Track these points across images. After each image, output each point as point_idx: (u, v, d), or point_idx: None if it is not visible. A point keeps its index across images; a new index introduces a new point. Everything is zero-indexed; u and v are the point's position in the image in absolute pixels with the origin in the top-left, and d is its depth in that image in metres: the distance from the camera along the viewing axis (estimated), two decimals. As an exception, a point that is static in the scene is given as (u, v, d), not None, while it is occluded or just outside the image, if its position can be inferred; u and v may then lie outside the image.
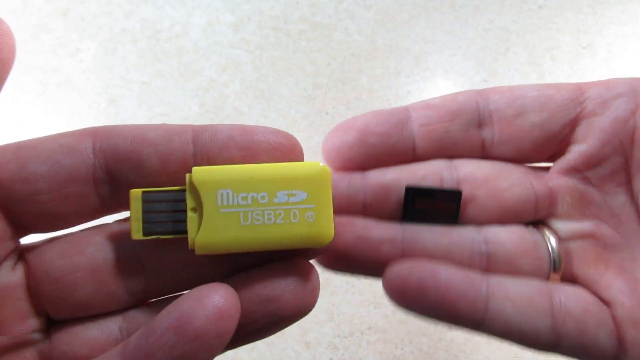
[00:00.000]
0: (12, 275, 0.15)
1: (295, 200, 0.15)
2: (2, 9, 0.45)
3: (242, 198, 0.15)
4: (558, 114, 0.18)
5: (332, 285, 0.39)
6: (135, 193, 0.15)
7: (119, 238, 0.16)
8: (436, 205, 0.18)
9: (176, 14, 0.46)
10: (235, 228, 0.15)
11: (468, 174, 0.19)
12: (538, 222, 0.19)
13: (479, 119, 0.19)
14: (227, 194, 0.15)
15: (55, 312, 0.16)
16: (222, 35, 0.46)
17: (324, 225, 0.15)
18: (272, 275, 0.16)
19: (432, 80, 0.45)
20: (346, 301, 0.39)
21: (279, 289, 0.15)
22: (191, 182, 0.15)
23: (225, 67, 0.45)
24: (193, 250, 0.15)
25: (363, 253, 0.18)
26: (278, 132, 0.16)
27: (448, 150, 0.19)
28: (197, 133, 0.16)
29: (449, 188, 0.18)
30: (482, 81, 0.45)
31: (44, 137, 0.16)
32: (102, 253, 0.16)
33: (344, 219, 0.18)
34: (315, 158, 0.46)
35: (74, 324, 0.16)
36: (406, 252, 0.18)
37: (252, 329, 0.15)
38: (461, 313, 0.16)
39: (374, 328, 0.38)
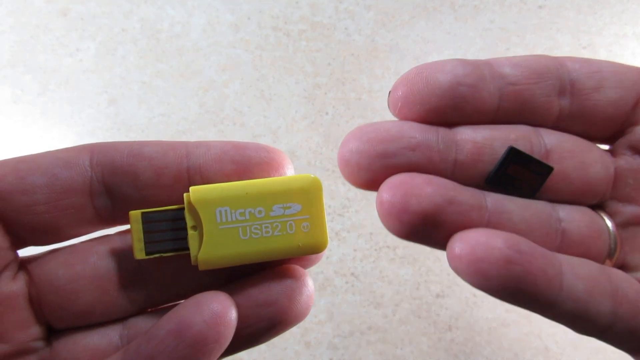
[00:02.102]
0: (13, 285, 0.16)
1: (290, 212, 0.16)
2: (2, 9, 0.45)
3: (240, 214, 0.16)
4: (631, 92, 0.17)
5: (332, 285, 0.39)
6: (135, 215, 0.16)
7: (120, 249, 0.17)
8: (524, 175, 0.17)
9: (176, 14, 0.46)
10: (235, 243, 0.16)
11: (556, 144, 0.17)
12: (596, 204, 0.18)
13: (560, 86, 0.17)
14: (226, 211, 0.16)
15: (57, 320, 0.16)
16: (222, 35, 0.46)
17: (319, 234, 0.16)
18: (268, 281, 0.16)
19: (432, 80, 0.45)
20: (346, 301, 0.39)
21: (275, 293, 0.16)
22: (189, 202, 0.15)
23: (225, 67, 0.45)
24: (195, 265, 0.16)
25: (450, 218, 0.16)
26: (268, 148, 0.17)
27: (527, 115, 0.17)
28: (191, 148, 0.16)
29: (544, 161, 0.17)
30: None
31: (43, 152, 0.16)
32: (104, 262, 0.16)
33: (434, 178, 0.16)
34: (315, 158, 0.46)
35: (75, 331, 0.16)
36: (492, 222, 0.16)
37: (249, 333, 0.16)
38: (540, 290, 0.15)
39: (374, 328, 0.38)
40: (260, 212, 0.16)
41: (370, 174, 0.16)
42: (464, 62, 0.16)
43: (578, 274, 0.16)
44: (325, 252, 0.41)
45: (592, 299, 0.16)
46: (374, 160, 0.16)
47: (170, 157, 0.16)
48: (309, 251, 0.16)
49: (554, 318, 0.16)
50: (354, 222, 0.40)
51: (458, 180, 0.16)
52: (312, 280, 0.17)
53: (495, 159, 0.17)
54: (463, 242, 0.15)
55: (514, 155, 0.17)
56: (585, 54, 0.46)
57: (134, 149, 0.16)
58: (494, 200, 0.17)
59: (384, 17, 0.47)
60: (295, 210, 0.16)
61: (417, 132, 0.16)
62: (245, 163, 0.16)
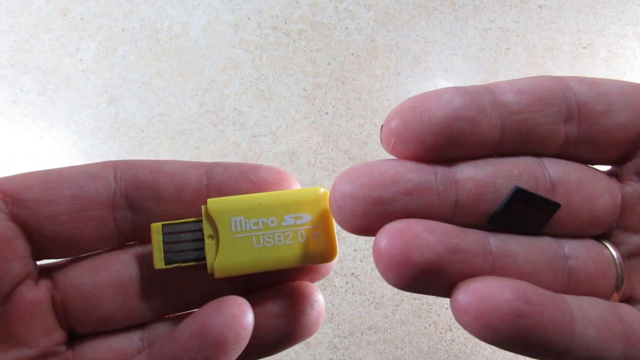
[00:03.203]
0: (36, 292, 0.16)
1: (301, 222, 0.17)
2: (2, 9, 0.45)
3: (254, 223, 0.17)
4: (639, 115, 0.16)
5: (332, 285, 0.39)
6: (156, 226, 0.17)
7: (142, 257, 0.17)
8: (529, 214, 0.16)
9: (176, 14, 0.46)
10: (249, 251, 0.16)
11: (561, 176, 0.16)
12: (600, 234, 0.17)
13: (567, 111, 0.16)
14: (240, 220, 0.17)
15: (81, 325, 0.17)
16: (222, 35, 0.46)
17: (329, 243, 0.17)
18: (282, 295, 0.17)
19: (432, 80, 0.45)
20: (346, 301, 0.39)
21: (287, 307, 0.17)
22: (207, 212, 0.16)
23: (225, 67, 0.45)
24: (212, 274, 0.16)
25: (454, 267, 0.15)
26: (279, 170, 0.18)
27: (531, 144, 0.16)
28: (209, 167, 0.17)
29: (550, 198, 0.16)
30: (482, 81, 0.45)
31: (69, 166, 0.17)
32: (127, 270, 0.17)
33: (435, 225, 0.15)
34: (315, 157, 0.46)
35: (97, 336, 0.17)
36: (497, 267, 0.15)
37: (261, 344, 0.17)
38: (551, 341, 0.14)
39: (374, 328, 0.38)
40: (272, 221, 0.17)
41: (366, 221, 0.15)
42: (461, 92, 0.15)
43: (589, 318, 0.15)
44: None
45: (604, 345, 0.15)
46: (369, 207, 0.15)
47: (190, 174, 0.17)
48: (320, 259, 0.17)
49: None
50: (354, 222, 0.40)
51: (459, 222, 0.16)
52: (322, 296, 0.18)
53: (498, 197, 0.16)
54: (469, 294, 0.14)
55: (519, 195, 0.16)
56: (585, 54, 0.46)
57: (156, 166, 0.17)
58: (498, 243, 0.16)
59: (384, 17, 0.47)
60: (306, 220, 0.17)
61: (414, 174, 0.15)
62: (260, 182, 0.17)
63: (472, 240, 0.15)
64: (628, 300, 0.17)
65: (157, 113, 0.43)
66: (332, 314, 0.39)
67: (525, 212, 0.16)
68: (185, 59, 0.45)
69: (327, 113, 0.44)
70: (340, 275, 0.39)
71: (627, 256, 0.17)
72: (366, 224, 0.15)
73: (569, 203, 0.16)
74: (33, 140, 0.43)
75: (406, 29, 0.46)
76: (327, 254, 0.17)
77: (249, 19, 0.46)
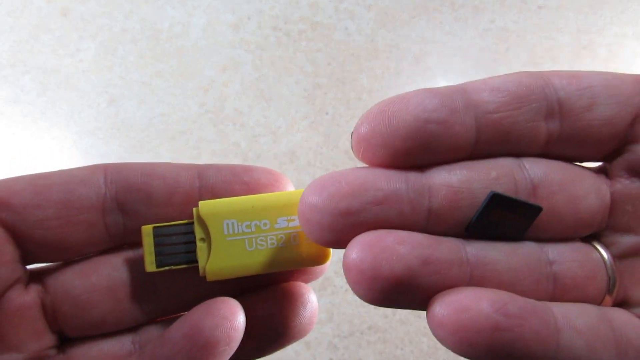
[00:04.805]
0: (25, 296, 0.16)
1: (294, 224, 0.16)
2: (2, 9, 0.45)
3: (246, 226, 0.16)
4: (627, 107, 0.15)
5: (332, 285, 0.39)
6: (147, 229, 0.16)
7: (133, 260, 0.17)
8: (509, 219, 0.15)
9: (176, 14, 0.46)
10: (241, 254, 0.16)
11: (543, 177, 0.15)
12: (589, 235, 0.16)
13: (547, 108, 0.15)
14: (233, 223, 0.16)
15: (71, 329, 0.17)
16: (222, 35, 0.46)
17: (322, 246, 0.16)
18: (274, 296, 0.17)
19: (432, 80, 0.45)
20: (346, 301, 0.39)
21: (280, 308, 0.17)
22: (198, 215, 0.16)
23: (225, 67, 0.45)
24: (204, 276, 0.16)
25: (428, 280, 0.14)
26: (273, 173, 0.17)
27: (510, 145, 0.15)
28: (201, 169, 0.17)
29: (531, 202, 0.15)
30: (482, 81, 0.45)
31: (59, 170, 0.17)
32: (118, 273, 0.17)
33: (406, 235, 0.14)
34: (315, 157, 0.46)
35: (88, 340, 0.17)
36: (475, 277, 0.14)
37: (254, 345, 0.17)
38: (533, 355, 0.14)
39: (374, 328, 0.38)
40: (265, 224, 0.16)
41: (335, 233, 0.14)
42: (432, 94, 0.15)
43: (576, 327, 0.14)
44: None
45: (593, 355, 0.14)
46: (337, 219, 0.14)
47: (182, 177, 0.17)
48: (312, 262, 0.17)
49: None
50: (354, 222, 0.40)
51: (434, 231, 0.15)
52: (315, 295, 0.18)
53: (474, 202, 0.15)
54: (444, 306, 0.13)
55: (496, 201, 0.15)
56: (585, 54, 0.46)
57: (147, 169, 0.17)
58: (476, 251, 0.15)
59: (384, 17, 0.47)
60: (299, 223, 0.16)
61: (384, 182, 0.14)
62: (253, 184, 0.17)
63: (447, 249, 0.14)
64: (622, 303, 0.16)
65: (157, 113, 0.43)
66: (332, 314, 0.39)
67: (505, 218, 0.15)
68: (185, 59, 0.45)
69: (327, 113, 0.44)
70: (340, 275, 0.39)
71: (619, 257, 0.16)
72: (335, 236, 0.14)
73: (551, 205, 0.15)
74: (33, 140, 0.43)
75: (406, 29, 0.46)
76: (319, 257, 0.17)
77: (249, 19, 0.46)
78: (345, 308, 0.39)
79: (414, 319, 0.39)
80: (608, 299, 0.16)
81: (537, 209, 0.15)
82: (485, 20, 0.47)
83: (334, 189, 0.14)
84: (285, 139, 0.42)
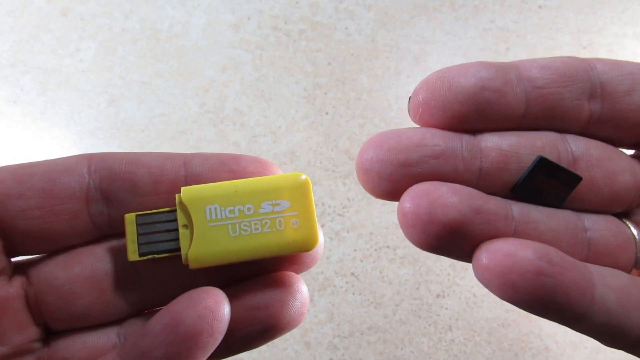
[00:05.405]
0: (9, 288, 0.16)
1: (279, 209, 0.16)
2: (2, 8, 0.45)
3: (230, 211, 0.16)
4: None
5: (332, 285, 0.39)
6: (130, 217, 0.16)
7: (117, 250, 0.17)
8: (551, 185, 0.16)
9: (176, 14, 0.46)
10: (225, 240, 0.16)
11: (584, 151, 0.16)
12: (620, 213, 0.18)
13: (590, 89, 0.16)
14: (215, 208, 0.16)
15: (55, 322, 0.16)
16: (222, 35, 0.46)
17: (309, 231, 0.16)
18: (262, 286, 0.17)
19: (432, 80, 0.45)
20: (346, 301, 0.39)
21: (268, 298, 0.16)
22: (181, 201, 0.16)
23: (225, 67, 0.45)
24: (186, 264, 0.16)
25: (477, 228, 0.15)
26: (261, 160, 0.17)
27: (555, 120, 0.17)
28: (188, 158, 0.17)
29: (572, 171, 0.16)
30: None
31: (41, 160, 0.16)
32: (101, 264, 0.17)
33: (460, 187, 0.15)
34: (315, 157, 0.46)
35: (73, 332, 0.17)
36: (518, 232, 0.16)
37: (242, 336, 0.16)
38: (572, 303, 0.14)
39: (374, 328, 0.38)
40: (249, 209, 0.16)
41: (392, 183, 0.15)
42: (488, 65, 0.16)
43: (610, 285, 0.15)
44: (325, 252, 0.41)
45: (624, 312, 0.15)
46: (396, 169, 0.15)
47: (168, 165, 0.16)
48: (300, 248, 0.16)
49: (585, 331, 0.15)
50: (354, 222, 0.40)
51: (482, 190, 0.16)
52: (308, 285, 0.17)
53: (521, 167, 0.16)
54: (491, 252, 0.14)
55: (542, 165, 0.16)
56: (585, 54, 0.46)
57: (132, 158, 0.16)
58: (520, 210, 0.16)
59: (384, 17, 0.47)
60: (284, 207, 0.16)
61: (441, 140, 0.15)
62: (241, 172, 0.17)
63: (495, 204, 0.15)
64: None
65: (157, 113, 0.43)
66: (332, 314, 0.39)
67: (547, 184, 0.16)
68: (185, 59, 0.45)
69: (327, 113, 0.44)
70: (340, 275, 0.39)
71: None
72: (392, 186, 0.15)
73: (590, 177, 0.16)
74: (33, 140, 0.43)
75: (406, 29, 0.46)
76: (307, 242, 0.16)
77: (249, 19, 0.46)
78: (345, 308, 0.39)
79: (414, 319, 0.39)
80: (635, 273, 0.17)
81: (578, 178, 0.16)
82: (485, 20, 0.47)
83: (394, 142, 0.15)
84: (285, 139, 0.42)
